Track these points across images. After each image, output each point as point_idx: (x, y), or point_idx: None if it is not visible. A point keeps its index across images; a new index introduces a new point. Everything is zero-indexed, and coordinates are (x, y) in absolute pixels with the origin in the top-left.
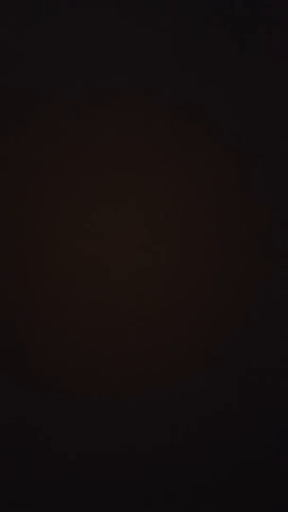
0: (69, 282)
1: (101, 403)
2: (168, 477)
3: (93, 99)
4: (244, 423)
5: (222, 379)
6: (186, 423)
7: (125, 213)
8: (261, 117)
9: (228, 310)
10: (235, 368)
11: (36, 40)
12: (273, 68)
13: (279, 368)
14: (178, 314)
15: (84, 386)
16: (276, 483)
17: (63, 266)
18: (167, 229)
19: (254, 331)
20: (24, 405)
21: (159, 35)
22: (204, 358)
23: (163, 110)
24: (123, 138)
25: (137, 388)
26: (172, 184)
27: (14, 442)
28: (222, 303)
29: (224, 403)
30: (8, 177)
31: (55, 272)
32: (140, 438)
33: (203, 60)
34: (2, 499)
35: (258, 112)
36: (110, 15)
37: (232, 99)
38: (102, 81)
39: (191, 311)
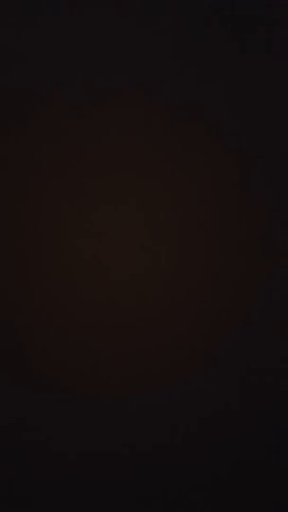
0: (69, 282)
1: (101, 403)
2: (168, 477)
3: (93, 99)
4: (244, 423)
5: (222, 379)
6: (186, 423)
7: (125, 213)
8: (261, 117)
9: (228, 310)
10: (235, 368)
11: (36, 40)
12: (273, 68)
13: (279, 368)
14: (178, 314)
15: (84, 386)
16: (276, 483)
17: (63, 266)
18: (167, 229)
19: (254, 331)
20: (24, 405)
21: (159, 35)
22: (204, 358)
23: (163, 110)
24: (123, 138)
25: (137, 388)
26: (172, 184)
27: (14, 442)
28: (222, 303)
29: (224, 403)
30: (8, 177)
31: (55, 272)
32: (140, 438)
33: (203, 60)
34: (2, 499)
35: (258, 112)
36: (110, 15)
37: (232, 99)
38: (102, 81)
39: (191, 311)
